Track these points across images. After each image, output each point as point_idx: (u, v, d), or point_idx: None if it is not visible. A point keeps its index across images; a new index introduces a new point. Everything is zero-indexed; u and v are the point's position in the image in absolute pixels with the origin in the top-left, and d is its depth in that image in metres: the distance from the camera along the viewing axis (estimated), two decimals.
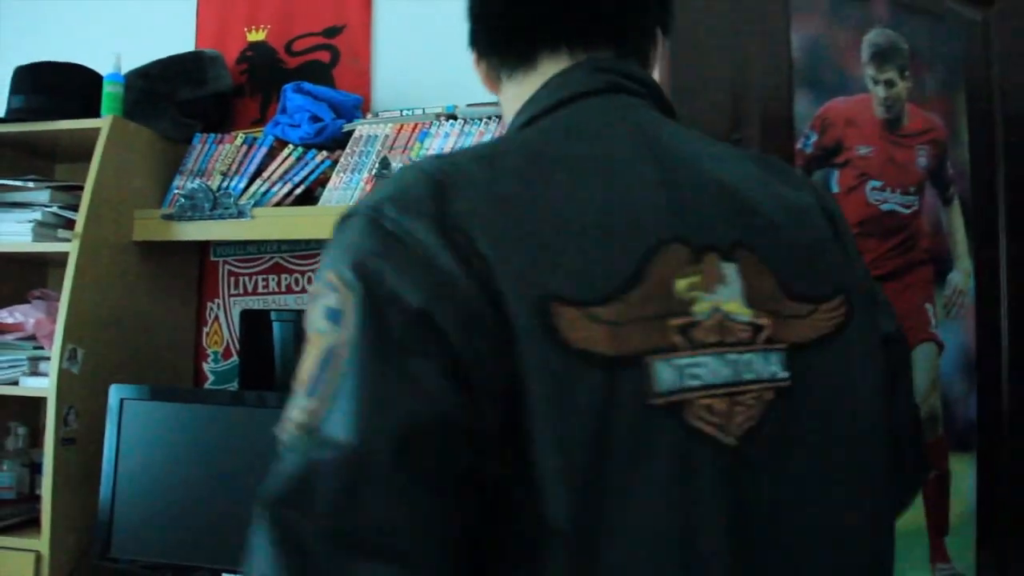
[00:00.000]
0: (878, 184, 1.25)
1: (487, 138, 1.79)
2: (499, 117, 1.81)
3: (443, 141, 1.84)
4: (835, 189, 1.24)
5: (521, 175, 0.64)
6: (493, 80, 0.82)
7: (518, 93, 0.78)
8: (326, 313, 0.59)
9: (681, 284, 0.63)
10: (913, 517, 1.25)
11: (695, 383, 0.61)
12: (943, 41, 1.33)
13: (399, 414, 0.55)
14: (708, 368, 0.62)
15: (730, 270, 0.65)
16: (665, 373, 0.60)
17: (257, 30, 2.17)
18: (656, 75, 0.82)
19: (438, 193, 0.61)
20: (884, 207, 1.25)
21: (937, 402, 1.26)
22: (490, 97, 1.76)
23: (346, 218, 0.63)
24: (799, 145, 1.21)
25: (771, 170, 0.75)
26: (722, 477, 0.61)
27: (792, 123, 1.21)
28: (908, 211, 1.27)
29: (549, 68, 0.76)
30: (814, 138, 1.22)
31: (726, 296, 0.64)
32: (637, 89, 0.74)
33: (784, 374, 0.65)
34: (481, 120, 1.84)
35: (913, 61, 1.30)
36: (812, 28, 1.25)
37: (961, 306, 1.29)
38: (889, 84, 1.28)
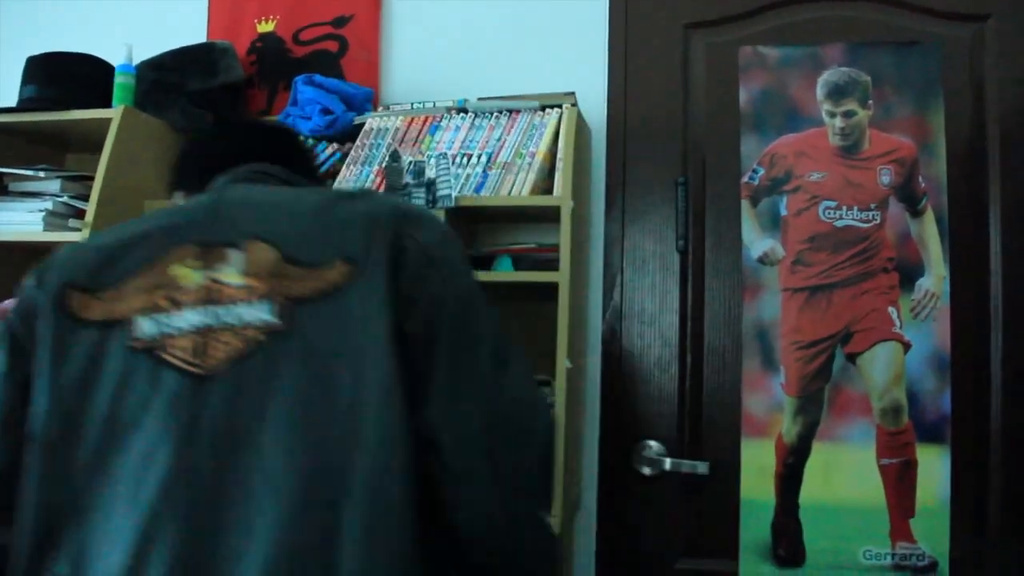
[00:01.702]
0: (832, 204, 1.71)
1: (497, 132, 2.17)
2: (509, 111, 2.19)
3: (453, 134, 2.22)
4: (784, 212, 1.74)
5: (96, 238, 1.30)
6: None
7: None
8: None
9: (177, 268, 1.17)
10: (873, 497, 1.67)
11: (171, 331, 1.13)
12: (916, 66, 1.74)
13: None
14: (185, 320, 1.14)
15: (236, 255, 1.16)
16: (146, 326, 1.14)
17: (267, 21, 2.57)
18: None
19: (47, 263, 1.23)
20: (838, 223, 1.72)
21: (902, 395, 1.70)
22: (501, 90, 2.18)
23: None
24: (745, 179, 1.69)
25: (356, 201, 1.25)
26: (181, 392, 1.10)
27: (739, 161, 1.73)
28: (868, 225, 1.72)
29: None
30: (762, 172, 1.70)
31: (225, 271, 1.16)
32: (257, 178, 1.37)
33: (274, 319, 1.12)
34: (491, 114, 2.23)
35: (877, 89, 1.72)
36: (761, 81, 1.73)
37: (933, 308, 1.70)
38: (848, 114, 1.72)
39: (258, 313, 1.11)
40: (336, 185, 2.22)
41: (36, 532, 1.10)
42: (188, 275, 1.15)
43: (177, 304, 1.13)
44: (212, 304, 1.13)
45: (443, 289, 1.16)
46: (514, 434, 1.17)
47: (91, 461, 1.10)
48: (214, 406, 1.08)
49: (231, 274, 1.15)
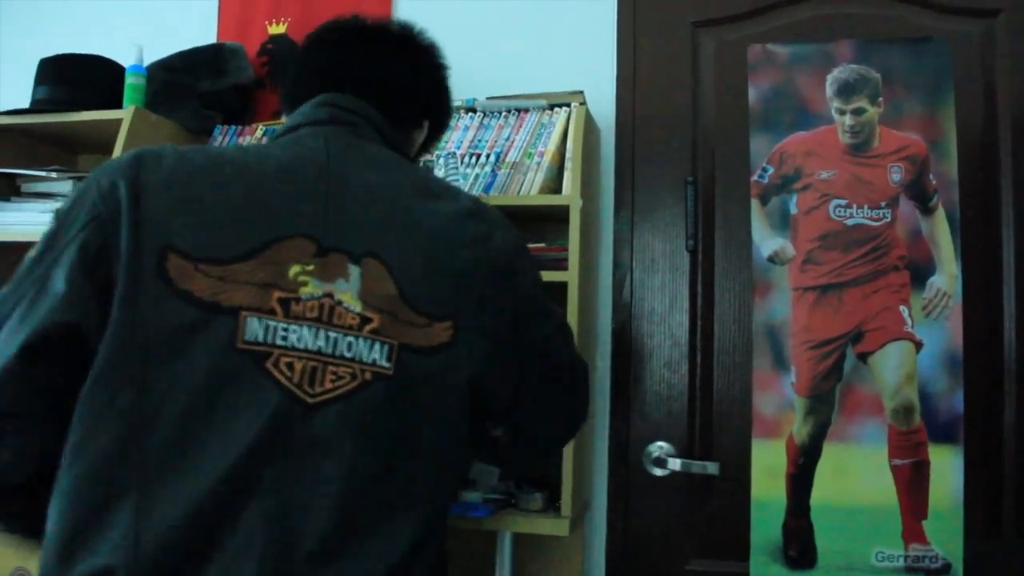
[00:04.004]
0: (843, 202, 1.68)
1: (506, 131, 2.15)
2: (518, 111, 2.17)
3: (462, 134, 2.20)
4: (793, 211, 1.72)
5: (197, 169, 1.14)
6: None
7: None
8: None
9: (294, 269, 1.11)
10: (886, 498, 1.64)
11: (282, 343, 1.09)
12: (926, 62, 1.71)
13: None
14: (299, 336, 1.10)
15: (354, 272, 1.14)
16: (256, 328, 1.08)
17: (278, 23, 2.56)
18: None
19: (135, 162, 1.13)
20: (849, 222, 1.70)
21: (913, 394, 1.67)
22: (510, 90, 2.16)
23: None
24: (754, 177, 1.67)
25: (463, 214, 1.27)
26: (287, 415, 1.07)
27: (748, 159, 1.73)
28: (878, 223, 1.69)
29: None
30: (771, 170, 1.68)
31: (343, 289, 1.13)
32: (350, 119, 1.31)
33: (387, 364, 1.13)
34: (500, 113, 2.21)
35: (888, 86, 1.69)
36: (770, 79, 1.72)
37: (945, 307, 1.67)
38: (858, 112, 1.70)
39: (374, 354, 1.12)
40: None
41: (93, 480, 1.04)
42: (306, 283, 1.11)
43: (290, 314, 1.10)
44: (327, 326, 1.11)
45: (527, 352, 1.31)
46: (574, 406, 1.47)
47: (164, 440, 1.04)
48: (317, 438, 1.09)
49: (348, 296, 1.13)
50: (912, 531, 1.66)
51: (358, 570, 1.09)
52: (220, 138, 2.38)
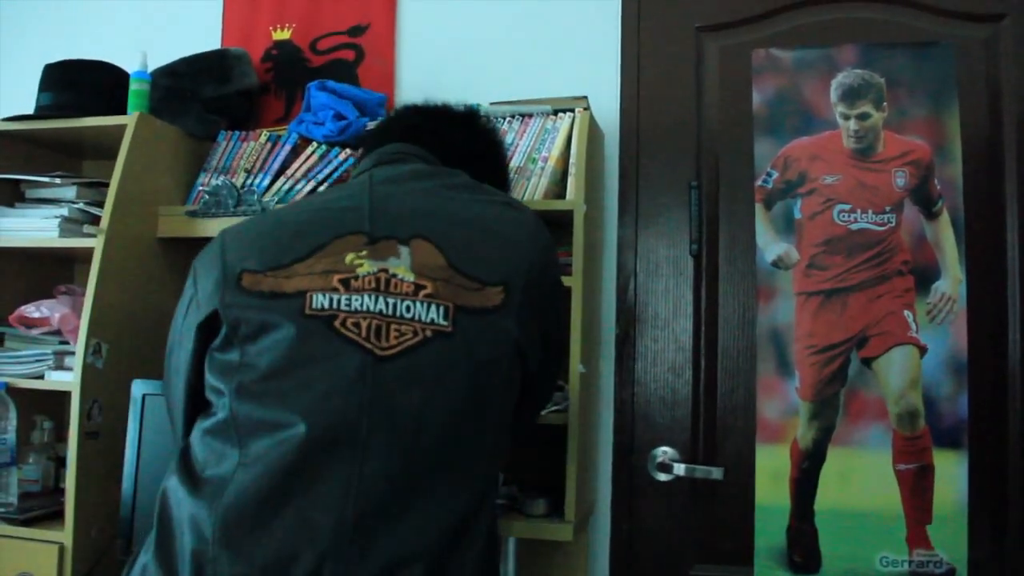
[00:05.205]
0: (847, 207, 1.69)
1: (509, 137, 2.15)
2: (522, 116, 2.17)
3: None
4: (798, 216, 1.74)
5: (258, 219, 1.47)
6: None
7: None
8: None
9: (349, 256, 1.32)
10: (890, 503, 1.64)
11: (345, 307, 1.28)
12: (931, 67, 1.71)
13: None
14: (360, 302, 1.29)
15: (403, 250, 1.33)
16: (321, 299, 1.29)
17: (282, 29, 2.57)
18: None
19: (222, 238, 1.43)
20: (853, 227, 1.71)
21: (918, 399, 1.67)
22: (514, 95, 2.16)
23: None
24: (759, 182, 1.67)
25: (500, 202, 1.50)
26: (362, 367, 1.26)
27: (752, 164, 1.78)
28: (883, 228, 1.70)
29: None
30: (775, 175, 1.68)
31: (395, 264, 1.32)
32: (394, 158, 1.55)
33: (444, 323, 1.30)
34: (504, 118, 2.21)
35: (892, 91, 1.69)
36: (774, 83, 1.72)
37: (950, 312, 1.67)
38: (862, 117, 1.70)
39: (431, 314, 1.29)
40: None
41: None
42: (362, 264, 1.31)
43: (350, 288, 1.29)
44: (385, 293, 1.29)
45: (552, 326, 1.49)
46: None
47: (253, 395, 1.26)
48: (389, 389, 1.25)
49: (402, 268, 1.31)
50: (916, 536, 1.66)
51: (416, 530, 1.23)
52: (224, 144, 2.38)
